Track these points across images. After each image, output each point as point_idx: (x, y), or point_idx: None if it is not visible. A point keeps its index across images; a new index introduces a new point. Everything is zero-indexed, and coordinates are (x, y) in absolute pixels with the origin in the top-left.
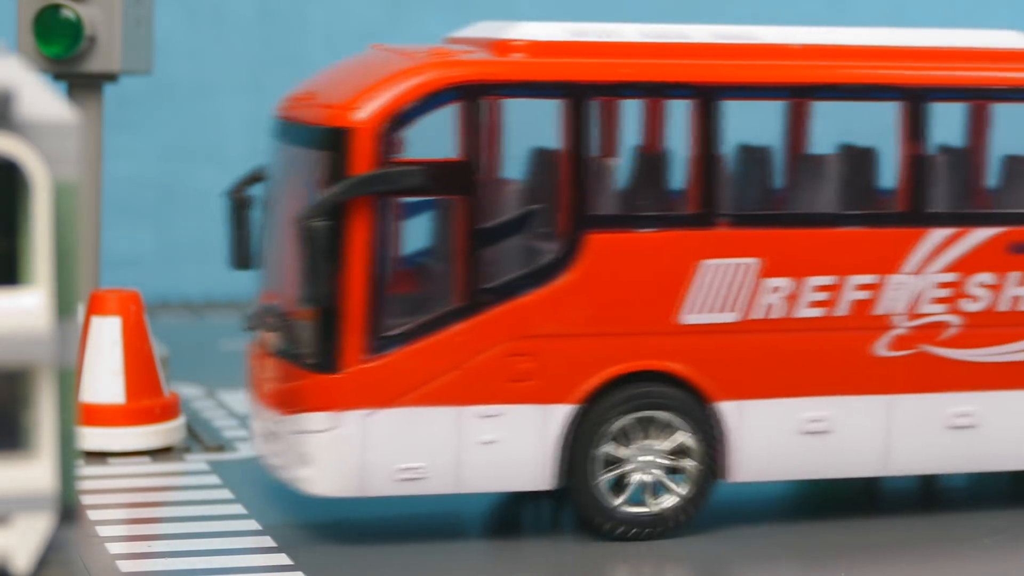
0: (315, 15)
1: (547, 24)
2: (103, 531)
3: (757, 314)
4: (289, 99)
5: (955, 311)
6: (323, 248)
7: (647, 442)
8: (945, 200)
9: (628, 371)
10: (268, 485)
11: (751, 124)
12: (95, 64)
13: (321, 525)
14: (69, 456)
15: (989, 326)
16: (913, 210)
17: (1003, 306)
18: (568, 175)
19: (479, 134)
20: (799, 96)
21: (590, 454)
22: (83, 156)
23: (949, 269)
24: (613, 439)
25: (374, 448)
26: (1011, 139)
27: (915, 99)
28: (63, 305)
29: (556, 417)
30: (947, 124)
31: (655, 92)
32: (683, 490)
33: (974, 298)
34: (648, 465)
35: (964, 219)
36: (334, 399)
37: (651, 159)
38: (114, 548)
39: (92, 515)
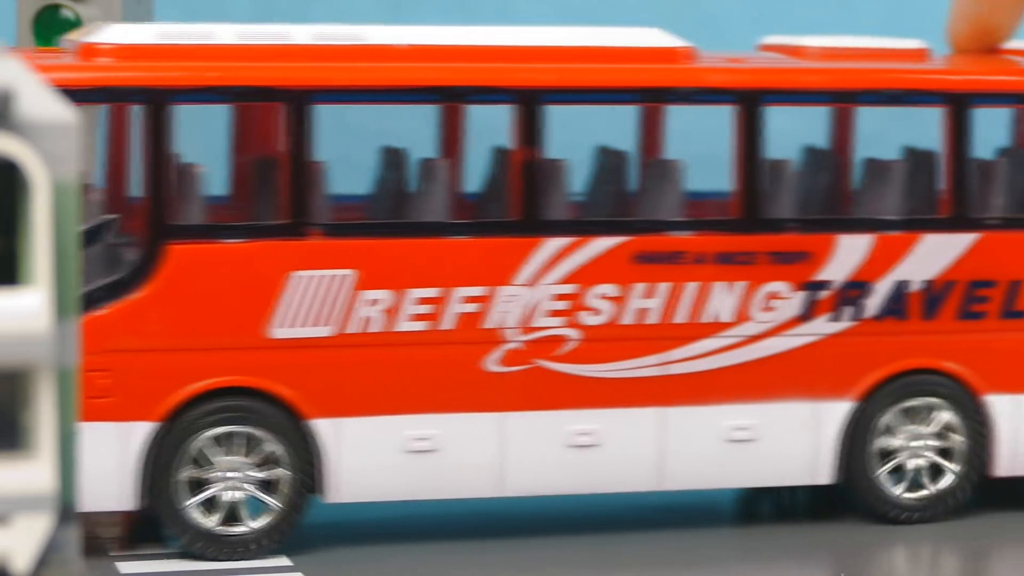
0: (315, 15)
1: (136, 26)
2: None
3: (353, 328)
4: None
5: (574, 324)
6: None
7: (235, 459)
8: (562, 208)
9: (213, 387)
10: None
11: (356, 128)
12: None
13: (321, 525)
14: (69, 456)
15: (611, 340)
16: (526, 218)
17: (627, 319)
18: (148, 183)
19: None
20: (399, 100)
21: (173, 476)
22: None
23: (567, 280)
24: (194, 460)
25: None
26: (643, 142)
27: (528, 101)
28: (63, 305)
29: (136, 435)
30: (576, 126)
31: (241, 97)
32: (276, 507)
33: (595, 311)
34: (240, 481)
35: (583, 228)
36: None
37: (242, 167)
38: (112, 549)
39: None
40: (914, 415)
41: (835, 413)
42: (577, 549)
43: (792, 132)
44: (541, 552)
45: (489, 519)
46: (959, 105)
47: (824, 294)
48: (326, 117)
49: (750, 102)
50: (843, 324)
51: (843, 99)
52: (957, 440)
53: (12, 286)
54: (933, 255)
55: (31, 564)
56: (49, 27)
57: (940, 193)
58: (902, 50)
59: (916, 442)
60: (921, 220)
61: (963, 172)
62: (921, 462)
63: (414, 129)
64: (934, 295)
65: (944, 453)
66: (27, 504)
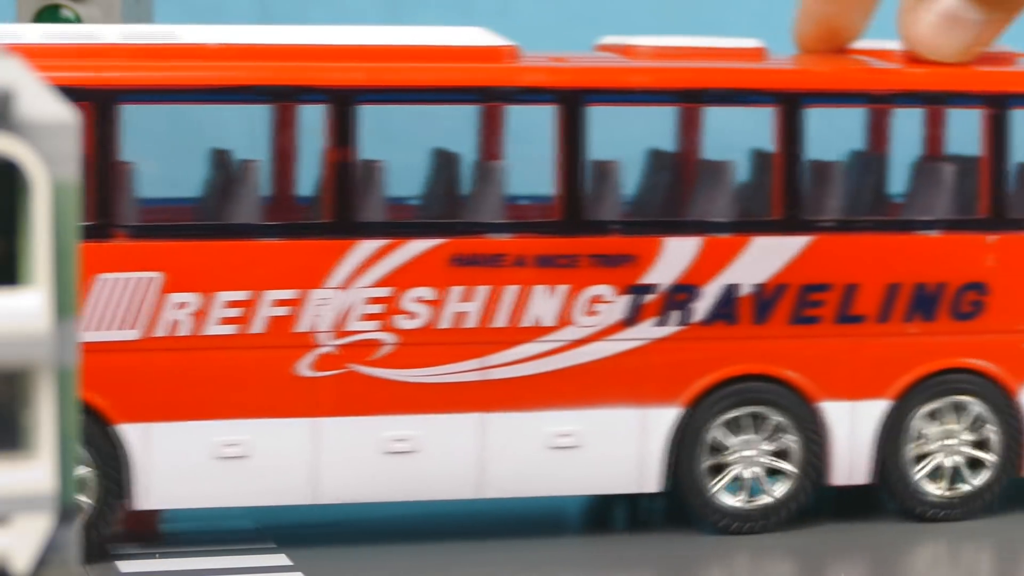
0: (315, 15)
1: None
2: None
3: (161, 331)
4: None
5: (389, 328)
6: None
7: None
8: (379, 209)
9: None
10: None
11: (176, 129)
12: None
13: (321, 525)
14: (69, 456)
15: (428, 344)
16: (338, 220)
17: (444, 323)
18: None
19: None
20: (206, 99)
21: None
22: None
23: (381, 283)
24: None
25: None
26: (479, 144)
27: (340, 101)
28: (63, 305)
29: None
30: (415, 128)
31: None
32: (86, 510)
33: (411, 314)
34: None
35: (398, 230)
36: None
37: None
38: (112, 548)
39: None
40: (746, 423)
41: (663, 420)
42: (575, 550)
43: (640, 134)
44: (541, 552)
45: (489, 519)
46: (790, 105)
47: (650, 298)
48: (154, 118)
49: (570, 102)
50: (670, 329)
51: (667, 99)
52: (792, 447)
53: (12, 286)
54: (764, 258)
55: (31, 564)
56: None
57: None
58: (738, 49)
59: (749, 451)
60: (751, 222)
61: (795, 173)
62: (756, 470)
63: (246, 131)
64: (765, 299)
65: (778, 464)
66: (27, 504)
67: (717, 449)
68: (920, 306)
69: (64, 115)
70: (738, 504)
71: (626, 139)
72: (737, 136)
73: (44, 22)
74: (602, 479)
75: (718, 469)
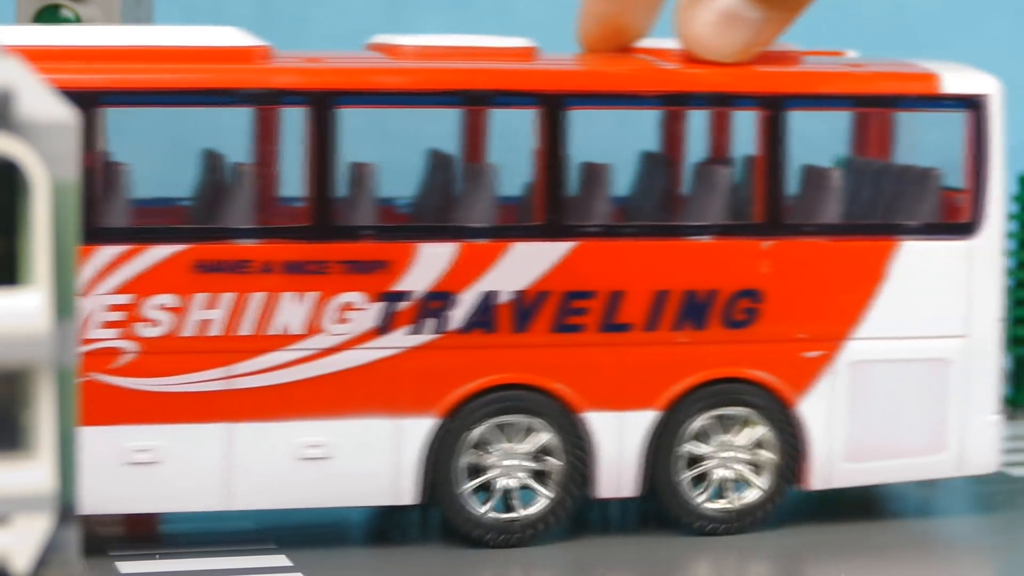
0: (315, 15)
1: None
2: (101, 531)
3: None
4: None
5: (130, 336)
6: None
7: None
8: (121, 215)
9: None
10: None
11: None
12: None
13: (321, 526)
14: (69, 456)
15: (171, 353)
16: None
17: (188, 331)
18: None
19: None
20: None
21: None
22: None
23: (122, 290)
24: None
25: None
26: (254, 147)
27: (84, 103)
28: (62, 305)
29: None
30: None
31: None
32: None
33: (152, 322)
34: None
35: (138, 235)
36: None
37: None
38: (112, 549)
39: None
40: (510, 433)
41: (418, 430)
42: (569, 554)
43: (398, 136)
44: (541, 553)
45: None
46: (552, 107)
47: (404, 305)
48: None
49: (321, 103)
50: (425, 337)
51: (422, 100)
52: (554, 461)
53: (12, 286)
54: (525, 265)
55: (31, 564)
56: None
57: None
58: (507, 49)
59: (510, 461)
60: (509, 228)
61: (557, 177)
62: (513, 483)
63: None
64: (526, 307)
65: (540, 475)
66: (27, 504)
67: (479, 460)
68: (690, 314)
69: (64, 115)
70: (496, 515)
71: (382, 142)
72: (504, 138)
73: (44, 22)
74: (355, 491)
75: (482, 482)
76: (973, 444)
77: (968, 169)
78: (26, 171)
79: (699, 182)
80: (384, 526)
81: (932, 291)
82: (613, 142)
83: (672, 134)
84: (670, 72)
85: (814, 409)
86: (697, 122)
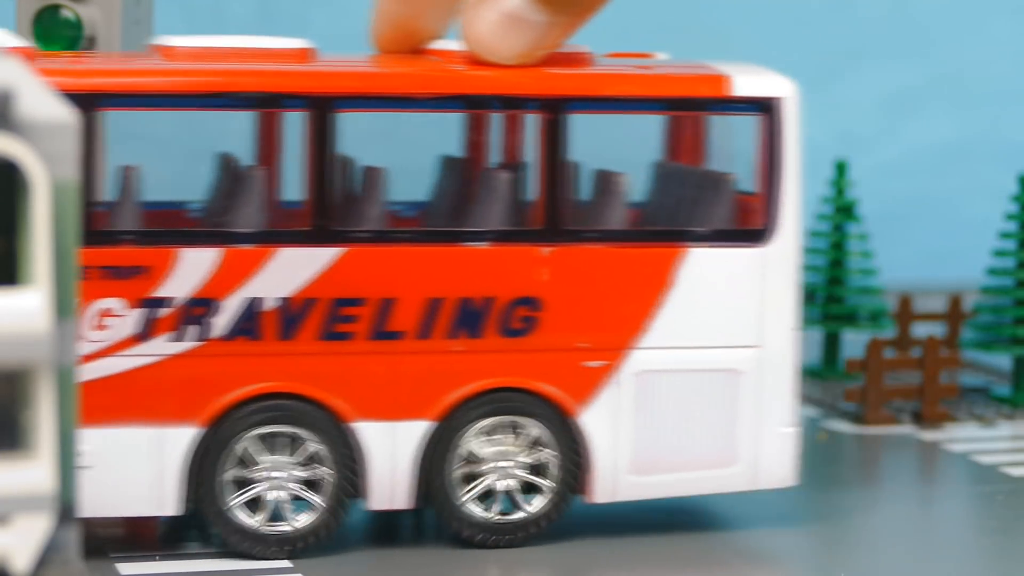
0: (315, 15)
1: None
2: (101, 531)
3: None
4: None
5: None
6: None
7: None
8: None
9: None
10: None
11: None
12: None
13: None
14: (69, 456)
15: None
16: None
17: None
18: None
19: None
20: None
21: None
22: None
23: None
24: None
25: None
26: None
27: None
28: (62, 305)
29: None
30: None
31: None
32: None
33: None
34: None
35: None
36: None
37: None
38: (112, 549)
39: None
40: (278, 444)
41: (181, 440)
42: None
43: (167, 139)
44: (542, 553)
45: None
46: (322, 110)
47: (164, 312)
48: None
49: (84, 105)
50: (187, 344)
51: (187, 103)
52: (324, 472)
53: (12, 286)
54: (291, 271)
55: (31, 564)
56: (49, 27)
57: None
58: (282, 51)
59: (279, 472)
60: (275, 233)
61: (324, 182)
62: (284, 495)
63: None
64: (292, 314)
65: (312, 485)
66: (27, 504)
67: (245, 471)
68: (465, 322)
69: (64, 115)
70: (271, 527)
71: (150, 145)
72: (285, 142)
73: (44, 22)
74: (117, 501)
75: (247, 493)
76: (767, 457)
77: (761, 174)
78: (26, 171)
79: (480, 187)
80: (384, 526)
81: (722, 300)
82: (395, 146)
83: (464, 138)
84: (447, 74)
85: (597, 420)
86: (493, 126)
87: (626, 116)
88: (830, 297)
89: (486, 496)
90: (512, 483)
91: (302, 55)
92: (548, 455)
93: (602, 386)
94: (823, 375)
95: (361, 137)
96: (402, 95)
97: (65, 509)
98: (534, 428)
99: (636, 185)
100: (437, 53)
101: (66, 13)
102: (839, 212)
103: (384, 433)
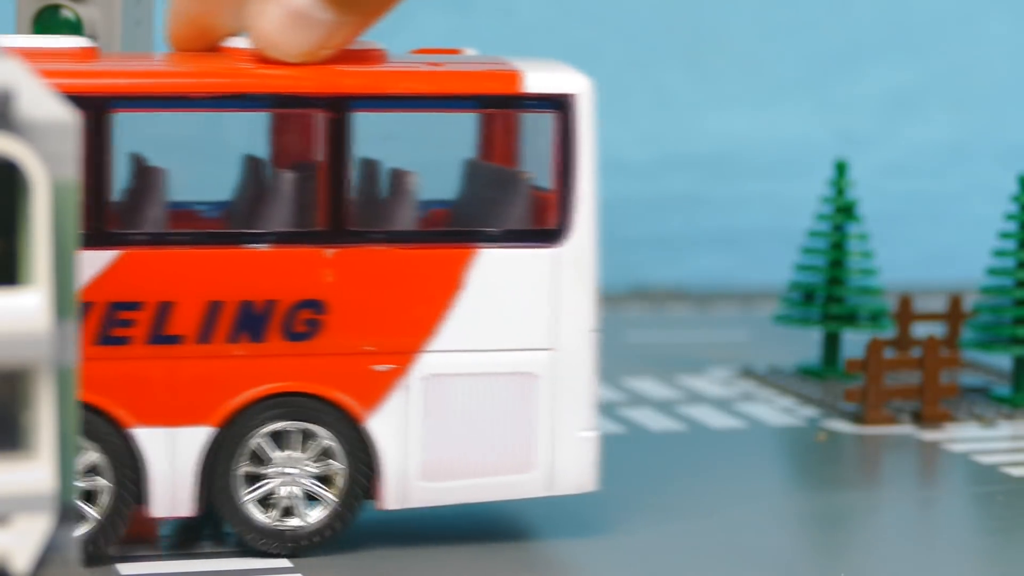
0: None
1: None
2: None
3: None
4: None
5: None
6: None
7: None
8: None
9: None
10: None
11: None
12: None
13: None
14: (69, 456)
15: None
16: None
17: None
18: None
19: None
20: None
21: None
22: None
23: None
24: None
25: None
26: None
27: None
28: (62, 305)
29: None
30: None
31: None
32: None
33: None
34: None
35: None
36: None
37: None
38: (112, 549)
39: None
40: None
41: None
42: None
43: None
44: (543, 554)
45: (489, 521)
46: (97, 110)
47: None
48: None
49: None
50: None
51: None
52: (101, 481)
53: (12, 286)
54: None
55: (31, 564)
56: (49, 27)
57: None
58: (62, 50)
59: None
60: None
61: (101, 185)
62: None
63: None
64: None
65: (90, 496)
66: (27, 504)
67: None
68: (247, 326)
69: (64, 115)
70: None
71: None
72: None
73: (44, 22)
74: None
75: None
76: (565, 462)
77: (555, 173)
78: (26, 171)
79: (265, 188)
80: (384, 526)
81: (515, 301)
82: (185, 146)
83: (254, 137)
84: (229, 72)
85: (385, 425)
86: (282, 125)
87: (428, 115)
88: (830, 297)
89: (270, 501)
90: (296, 491)
91: (85, 54)
92: (336, 467)
93: (391, 391)
94: (823, 375)
95: (145, 138)
96: (179, 94)
97: (65, 509)
98: (325, 438)
99: (448, 184)
100: (229, 51)
101: (66, 13)
102: (839, 212)
103: (163, 439)
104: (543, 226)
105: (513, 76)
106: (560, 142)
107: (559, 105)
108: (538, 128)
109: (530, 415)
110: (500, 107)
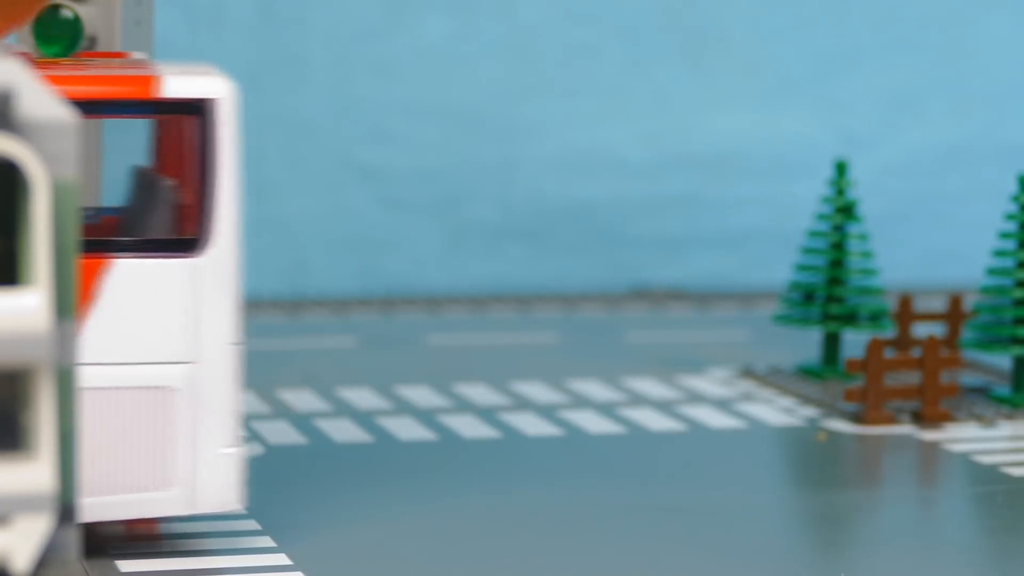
0: (315, 15)
1: None
2: (101, 531)
3: None
4: None
5: None
6: None
7: None
8: None
9: None
10: (269, 485)
11: None
12: None
13: (321, 525)
14: (69, 456)
15: None
16: None
17: None
18: None
19: None
20: None
21: None
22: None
23: None
24: None
25: None
26: None
27: None
28: (62, 305)
29: None
30: None
31: None
32: None
33: None
34: None
35: None
36: None
37: None
38: (112, 547)
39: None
40: None
41: None
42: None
43: None
44: (543, 554)
45: (490, 521)
46: None
47: None
48: None
49: None
50: None
51: None
52: None
53: (12, 286)
54: None
55: (31, 564)
56: (49, 27)
57: None
58: None
59: None
60: None
61: None
62: None
63: None
64: None
65: None
66: (27, 504)
67: None
68: None
69: (64, 115)
70: None
71: None
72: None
73: (43, 22)
74: None
75: None
76: (206, 479)
77: (195, 181)
78: (26, 171)
79: None
80: (383, 526)
81: (152, 313)
82: None
83: None
84: None
85: None
86: None
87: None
88: (830, 297)
89: None
90: None
91: None
92: None
93: None
94: (823, 375)
95: None
96: None
97: (65, 509)
98: None
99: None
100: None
101: (66, 13)
102: (839, 212)
103: None
104: (181, 235)
105: (150, 81)
106: (200, 148)
107: (197, 110)
108: (182, 134)
109: (168, 431)
110: (137, 112)
